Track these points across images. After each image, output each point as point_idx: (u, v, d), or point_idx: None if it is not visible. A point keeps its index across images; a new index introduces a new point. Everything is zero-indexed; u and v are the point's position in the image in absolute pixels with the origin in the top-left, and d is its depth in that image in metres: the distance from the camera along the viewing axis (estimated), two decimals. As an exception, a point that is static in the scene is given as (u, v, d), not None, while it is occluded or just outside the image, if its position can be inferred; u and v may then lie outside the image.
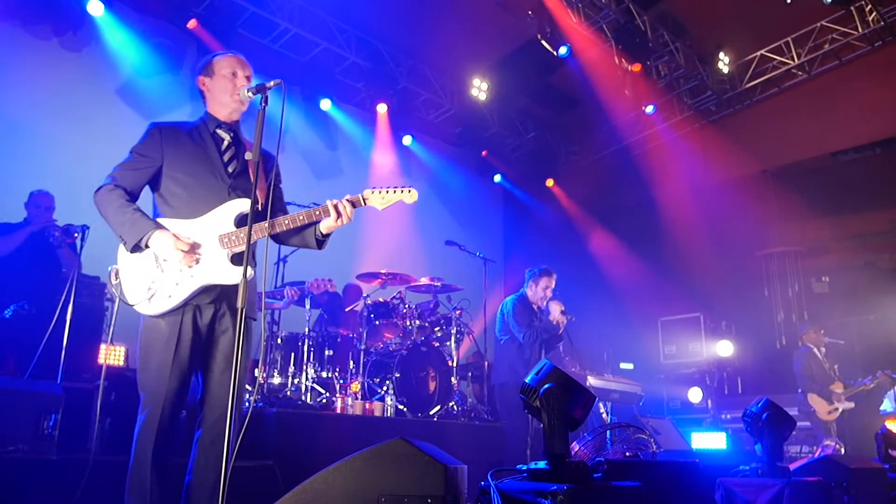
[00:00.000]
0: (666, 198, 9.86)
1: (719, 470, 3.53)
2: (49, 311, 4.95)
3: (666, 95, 9.98)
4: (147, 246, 2.86)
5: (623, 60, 8.84)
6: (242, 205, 3.01)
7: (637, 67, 8.90)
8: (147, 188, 3.10)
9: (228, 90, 3.11)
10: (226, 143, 3.15)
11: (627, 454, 4.07)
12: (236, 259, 2.96)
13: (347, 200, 3.05)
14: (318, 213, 3.03)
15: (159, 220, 2.97)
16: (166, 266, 2.89)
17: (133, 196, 3.00)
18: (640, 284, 9.52)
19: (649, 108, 9.92)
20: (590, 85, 9.41)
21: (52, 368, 4.94)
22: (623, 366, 8.87)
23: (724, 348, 8.68)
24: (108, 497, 3.60)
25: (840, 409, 7.38)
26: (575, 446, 4.32)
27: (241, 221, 3.00)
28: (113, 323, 3.18)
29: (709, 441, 6.81)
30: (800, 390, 7.58)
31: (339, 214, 3.01)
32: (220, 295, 2.97)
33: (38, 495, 3.59)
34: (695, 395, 8.43)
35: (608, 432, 4.29)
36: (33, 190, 5.84)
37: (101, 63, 7.64)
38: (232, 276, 2.92)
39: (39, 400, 3.95)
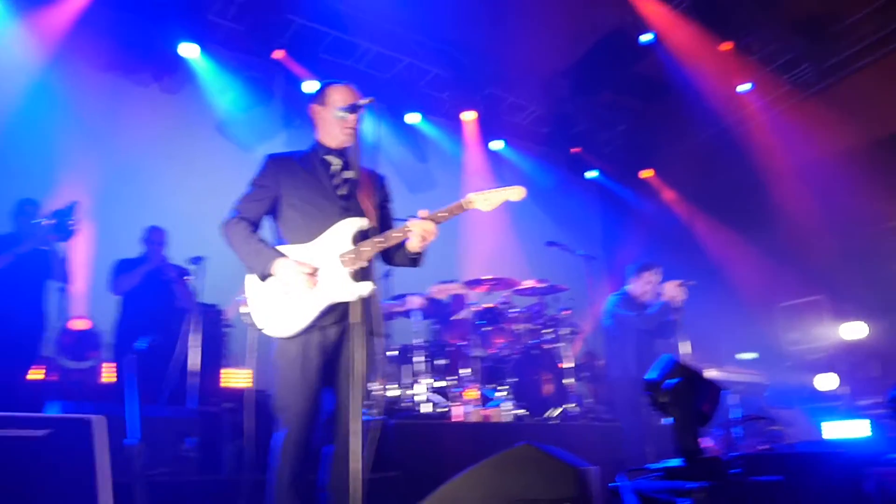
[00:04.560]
0: (772, 177, 9.41)
1: (867, 459, 3.32)
2: (175, 341, 5.22)
3: (761, 71, 9.55)
4: (272, 273, 2.98)
5: (712, 40, 8.54)
6: (358, 223, 3.10)
7: (727, 46, 8.58)
8: (268, 217, 3.26)
9: (339, 124, 3.20)
10: (335, 167, 3.26)
11: (762, 447, 3.91)
12: (356, 276, 3.04)
13: (429, 216, 3.04)
14: (402, 232, 3.06)
15: (281, 247, 3.10)
16: (291, 290, 2.99)
17: (256, 226, 3.17)
18: (753, 271, 9.11)
19: (744, 87, 9.53)
20: (679, 70, 9.14)
21: (183, 394, 5.20)
22: (743, 356, 8.52)
23: (853, 330, 8.16)
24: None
25: None
26: (704, 442, 4.18)
27: (357, 239, 3.09)
28: (238, 347, 3.32)
29: (845, 429, 6.41)
30: None
31: (422, 238, 3.03)
32: (344, 313, 3.05)
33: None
34: (824, 381, 7.96)
35: (739, 426, 4.12)
36: (147, 226, 6.18)
37: (198, 102, 8.05)
38: (354, 293, 2.99)
39: (177, 425, 4.19)
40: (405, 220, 3.14)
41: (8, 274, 5.16)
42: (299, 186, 3.18)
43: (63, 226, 5.26)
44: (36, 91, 6.92)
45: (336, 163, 3.27)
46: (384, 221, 3.16)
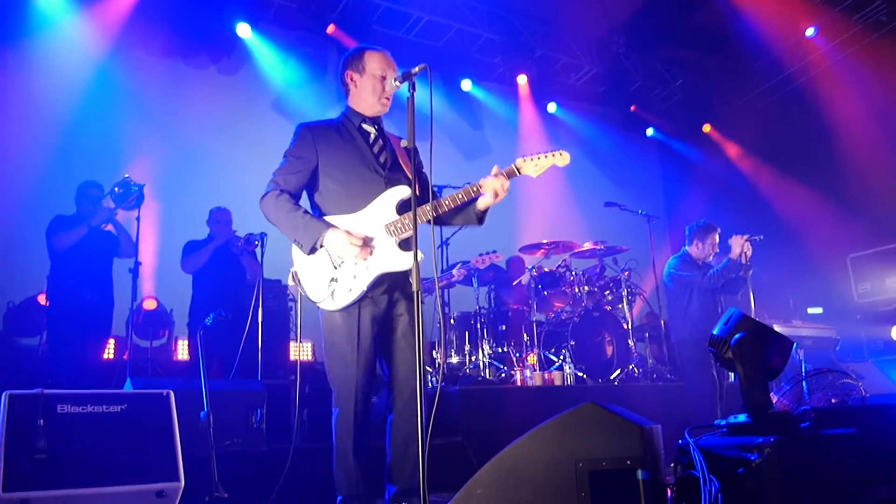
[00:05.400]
0: (841, 124, 8.99)
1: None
2: (242, 316, 5.35)
3: (827, 14, 9.10)
4: (322, 246, 2.95)
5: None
6: (402, 192, 3.05)
7: (790, -12, 8.22)
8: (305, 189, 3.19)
9: (377, 92, 3.15)
10: (372, 136, 3.21)
11: (833, 401, 3.80)
12: (404, 245, 3.01)
13: (502, 173, 3.05)
14: (475, 189, 3.05)
15: (328, 217, 3.05)
16: (342, 262, 2.97)
17: (296, 198, 3.10)
18: (821, 222, 8.78)
19: (810, 31, 9.09)
20: (738, 18, 8.80)
21: (251, 368, 5.34)
22: (811, 311, 8.26)
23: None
24: (311, 481, 3.87)
25: None
26: (773, 398, 4.08)
27: (401, 208, 3.04)
28: (298, 321, 3.34)
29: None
30: None
31: (496, 194, 3.02)
32: (392, 283, 3.04)
33: (255, 484, 3.91)
34: (900, 333, 7.65)
35: (807, 380, 4.02)
36: (212, 207, 6.31)
37: (254, 81, 8.18)
38: (403, 262, 2.98)
39: (247, 398, 4.29)
40: (459, 188, 3.11)
41: (76, 255, 5.33)
42: (338, 156, 3.10)
43: (129, 194, 5.37)
44: (99, 80, 7.16)
45: (373, 131, 3.21)
46: (423, 189, 3.08)
